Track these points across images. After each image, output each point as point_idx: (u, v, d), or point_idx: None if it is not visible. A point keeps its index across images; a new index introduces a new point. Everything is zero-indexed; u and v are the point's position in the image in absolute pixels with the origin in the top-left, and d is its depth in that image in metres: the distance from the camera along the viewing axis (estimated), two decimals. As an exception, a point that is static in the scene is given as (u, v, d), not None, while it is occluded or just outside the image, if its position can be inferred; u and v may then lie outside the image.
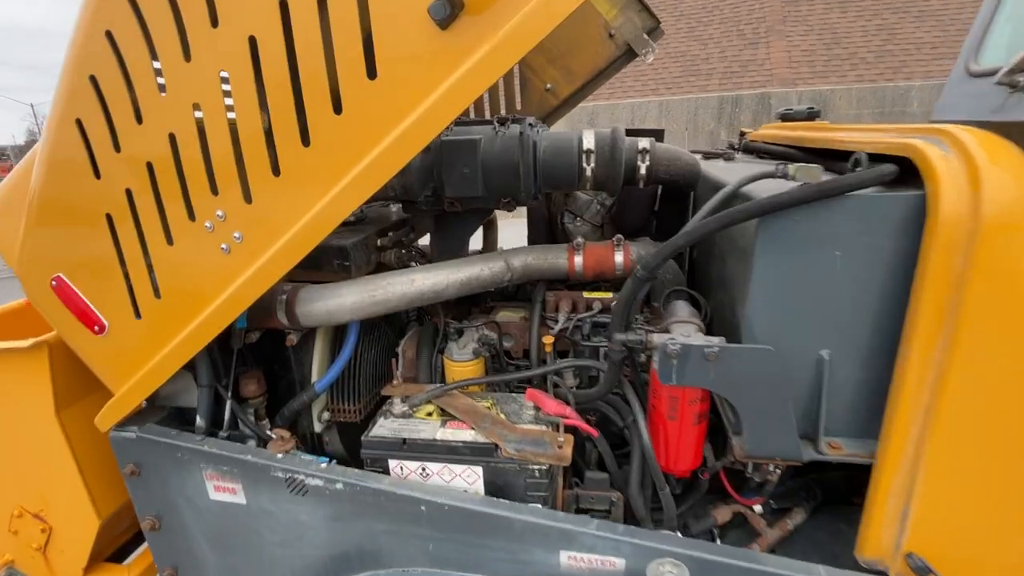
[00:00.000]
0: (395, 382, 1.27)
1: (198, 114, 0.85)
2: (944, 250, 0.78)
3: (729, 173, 1.27)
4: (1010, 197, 0.75)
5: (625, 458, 1.14)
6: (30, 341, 1.15)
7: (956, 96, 1.67)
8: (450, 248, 1.40)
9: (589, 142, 1.11)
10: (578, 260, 1.25)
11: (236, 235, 0.91)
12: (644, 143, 1.12)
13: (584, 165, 1.12)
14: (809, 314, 0.90)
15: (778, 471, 1.00)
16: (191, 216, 0.92)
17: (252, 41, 0.82)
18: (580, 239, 1.27)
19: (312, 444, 1.34)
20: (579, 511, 1.09)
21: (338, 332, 1.31)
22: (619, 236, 1.25)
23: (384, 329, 1.46)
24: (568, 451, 0.99)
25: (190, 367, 1.11)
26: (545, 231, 1.74)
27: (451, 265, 1.20)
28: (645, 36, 1.91)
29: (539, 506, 1.03)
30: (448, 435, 1.06)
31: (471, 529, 1.01)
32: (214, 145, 0.86)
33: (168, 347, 1.03)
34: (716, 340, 0.92)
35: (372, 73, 0.78)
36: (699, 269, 1.41)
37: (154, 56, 0.87)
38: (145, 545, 1.63)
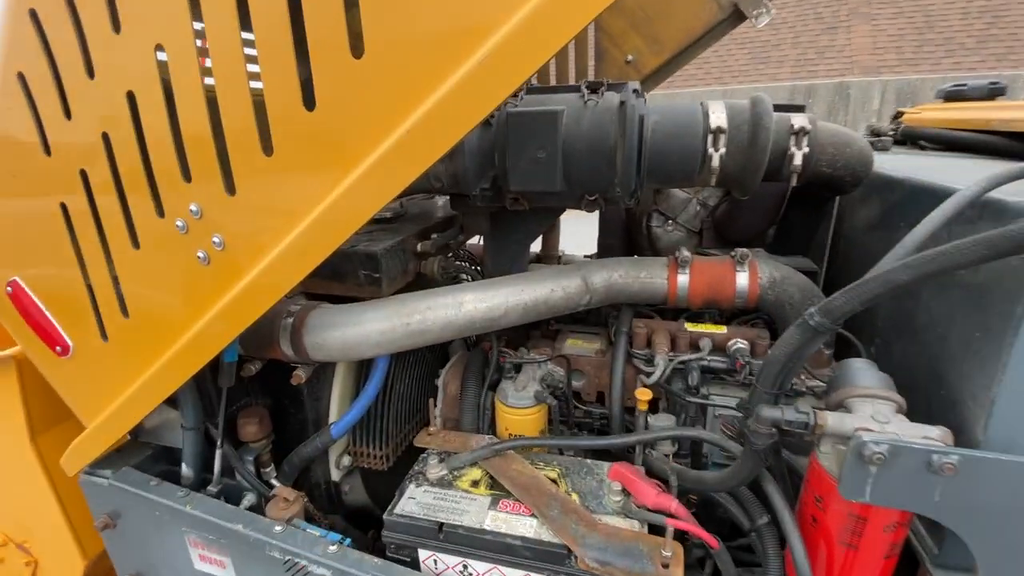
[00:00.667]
0: (431, 428, 0.98)
1: (161, 56, 0.58)
2: None
3: (905, 169, 0.90)
4: None
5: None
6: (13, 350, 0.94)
7: None
8: (508, 256, 1.10)
9: (719, 118, 0.77)
10: (682, 280, 0.92)
11: (216, 239, 0.64)
12: (800, 120, 0.77)
13: (711, 151, 0.78)
14: None
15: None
16: (159, 211, 0.66)
17: None
18: (685, 252, 0.94)
19: (329, 494, 1.08)
20: (681, 645, 0.77)
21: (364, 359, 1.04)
22: (743, 251, 0.90)
23: (422, 352, 1.18)
24: (678, 572, 0.67)
25: (174, 403, 0.86)
26: (621, 236, 1.40)
27: (512, 283, 0.89)
28: (759, -7, 1.53)
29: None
30: (501, 523, 0.76)
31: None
32: (183, 108, 0.59)
33: (142, 379, 0.77)
34: (937, 434, 0.57)
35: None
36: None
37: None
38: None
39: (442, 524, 0.77)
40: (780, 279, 0.89)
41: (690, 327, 0.98)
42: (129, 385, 0.80)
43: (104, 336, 0.79)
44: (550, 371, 1.00)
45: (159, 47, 0.57)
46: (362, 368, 1.04)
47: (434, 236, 1.04)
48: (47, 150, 0.70)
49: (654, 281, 0.94)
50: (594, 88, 0.81)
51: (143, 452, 0.97)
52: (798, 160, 0.77)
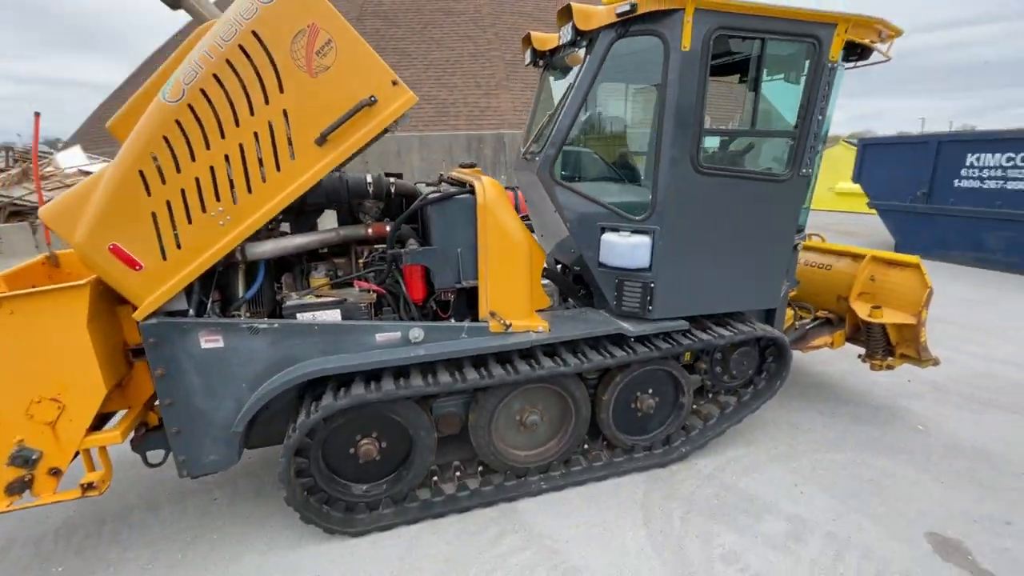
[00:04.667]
0: (284, 291, 2.68)
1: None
2: (480, 214, 2.67)
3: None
4: (488, 197, 2.67)
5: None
6: (83, 280, 2.21)
7: (518, 162, 3.86)
8: (304, 227, 2.87)
9: (370, 179, 2.76)
10: (370, 231, 2.87)
11: (228, 217, 2.25)
12: (392, 179, 2.82)
13: (368, 189, 2.75)
14: (456, 235, 2.71)
15: (450, 295, 2.81)
16: (203, 210, 2.23)
17: (250, 140, 2.22)
18: (370, 220, 2.90)
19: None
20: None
21: (254, 272, 2.64)
22: (387, 219, 2.92)
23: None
24: (369, 297, 2.62)
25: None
26: (347, 219, 3.31)
27: (309, 234, 2.69)
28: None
29: (366, 321, 2.61)
30: (318, 302, 2.56)
31: (336, 332, 2.53)
32: (222, 183, 2.21)
33: (185, 271, 2.27)
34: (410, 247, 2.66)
35: (293, 155, 2.27)
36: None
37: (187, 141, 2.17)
38: (121, 414, 2.62)
39: (300, 304, 2.51)
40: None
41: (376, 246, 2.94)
42: (171, 280, 2.28)
43: (164, 257, 2.25)
44: (330, 265, 2.81)
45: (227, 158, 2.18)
46: (252, 275, 2.64)
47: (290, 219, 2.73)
48: (148, 193, 2.17)
49: (359, 231, 2.86)
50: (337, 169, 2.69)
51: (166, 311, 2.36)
52: (392, 190, 2.81)
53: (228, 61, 2.14)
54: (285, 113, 2.23)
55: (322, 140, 2.27)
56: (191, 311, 2.39)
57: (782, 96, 2.98)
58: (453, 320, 2.95)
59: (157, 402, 2.43)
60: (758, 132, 3.03)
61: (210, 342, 2.39)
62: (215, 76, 2.14)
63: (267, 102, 2.20)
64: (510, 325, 2.77)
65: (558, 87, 3.63)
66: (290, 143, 2.26)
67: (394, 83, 2.29)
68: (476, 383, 2.70)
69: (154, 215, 2.21)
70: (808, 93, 2.89)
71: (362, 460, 2.76)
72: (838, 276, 3.92)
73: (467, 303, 3.00)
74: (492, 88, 15.55)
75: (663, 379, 3.31)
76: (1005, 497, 2.97)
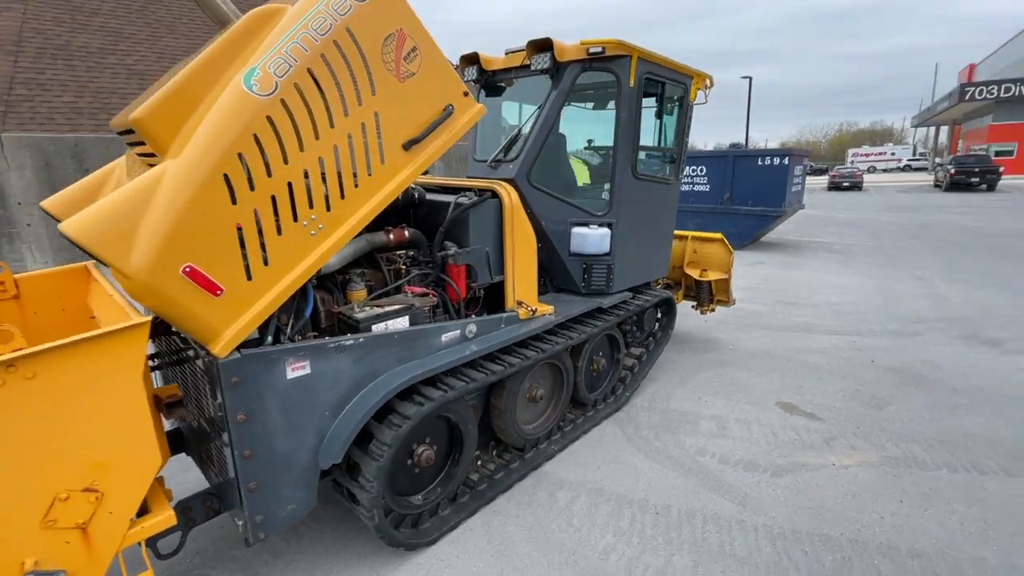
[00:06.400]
0: (335, 307, 2.46)
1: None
2: (507, 216, 2.98)
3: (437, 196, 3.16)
4: (512, 200, 3.02)
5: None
6: (143, 318, 1.69)
7: (474, 168, 4.15)
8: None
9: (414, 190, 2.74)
10: (391, 237, 2.82)
11: (320, 226, 2.03)
12: (414, 185, 2.84)
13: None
14: (488, 236, 2.93)
15: (481, 292, 3.02)
16: (295, 220, 1.96)
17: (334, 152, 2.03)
18: (388, 228, 2.84)
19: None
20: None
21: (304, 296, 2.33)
22: (403, 224, 2.91)
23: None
24: (431, 301, 2.66)
25: (263, 308, 2.01)
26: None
27: (349, 244, 2.54)
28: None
29: (431, 324, 2.62)
30: (391, 310, 2.48)
31: (410, 339, 2.50)
32: (316, 189, 1.99)
33: (274, 292, 1.96)
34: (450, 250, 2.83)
35: (383, 160, 2.18)
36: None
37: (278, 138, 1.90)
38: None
39: (374, 316, 2.40)
40: (412, 236, 2.95)
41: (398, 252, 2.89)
42: (256, 304, 1.93)
43: (249, 277, 1.89)
44: (364, 273, 2.66)
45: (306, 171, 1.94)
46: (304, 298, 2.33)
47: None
48: (233, 202, 1.82)
49: (378, 238, 2.79)
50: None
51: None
52: (408, 195, 2.85)
53: (323, 56, 1.98)
54: (376, 116, 2.16)
55: (410, 146, 2.27)
56: (269, 338, 2.05)
57: (666, 125, 4.17)
58: (474, 315, 3.14)
59: (232, 451, 1.99)
60: (663, 148, 4.16)
61: (297, 370, 2.10)
62: (309, 71, 1.95)
63: (360, 103, 2.11)
64: (535, 311, 3.16)
65: (491, 103, 4.08)
66: (380, 147, 2.20)
67: (465, 94, 2.45)
68: (520, 364, 3.01)
69: (239, 227, 1.86)
70: (681, 122, 4.15)
71: (422, 467, 2.74)
72: (673, 252, 5.47)
73: (480, 298, 3.23)
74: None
75: (607, 343, 4.16)
76: (792, 373, 4.86)
